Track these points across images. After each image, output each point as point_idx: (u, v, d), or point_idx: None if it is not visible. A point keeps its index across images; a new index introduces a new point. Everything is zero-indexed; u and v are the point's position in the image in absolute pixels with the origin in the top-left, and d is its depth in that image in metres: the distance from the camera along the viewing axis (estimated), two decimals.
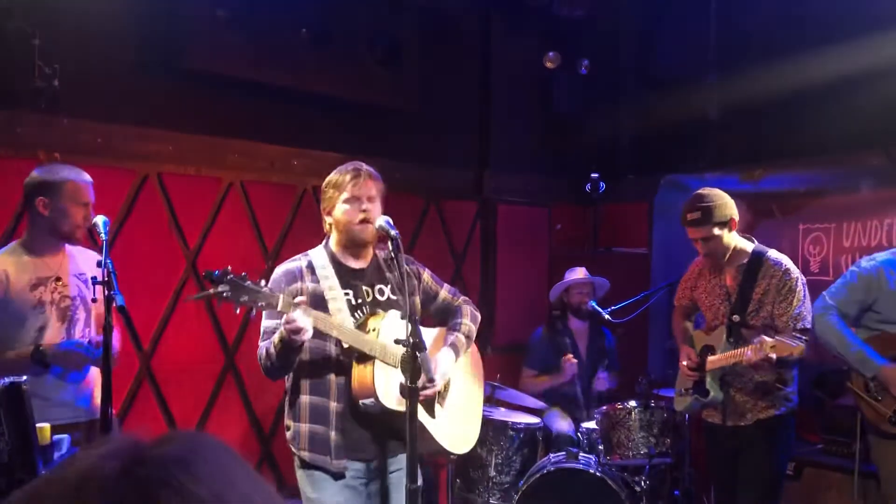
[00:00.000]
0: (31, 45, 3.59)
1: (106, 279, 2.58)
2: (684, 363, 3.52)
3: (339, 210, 2.77)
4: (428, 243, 5.11)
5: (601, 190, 5.65)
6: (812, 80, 4.57)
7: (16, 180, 3.70)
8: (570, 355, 4.65)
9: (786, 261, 3.43)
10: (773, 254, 3.46)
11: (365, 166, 2.83)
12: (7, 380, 2.20)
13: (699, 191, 3.49)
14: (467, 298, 3.14)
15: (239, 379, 4.38)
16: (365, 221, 2.74)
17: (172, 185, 4.16)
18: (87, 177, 3.03)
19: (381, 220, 2.69)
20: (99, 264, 2.66)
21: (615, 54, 6.01)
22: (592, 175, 5.64)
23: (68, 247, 3.08)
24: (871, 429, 3.50)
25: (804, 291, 3.39)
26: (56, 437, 2.63)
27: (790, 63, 4.68)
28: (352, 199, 2.74)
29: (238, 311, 2.47)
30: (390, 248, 2.65)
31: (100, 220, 2.77)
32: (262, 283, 2.50)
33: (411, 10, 4.84)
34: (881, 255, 3.53)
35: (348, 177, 2.75)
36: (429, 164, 5.11)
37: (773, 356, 3.09)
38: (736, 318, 3.38)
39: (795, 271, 3.41)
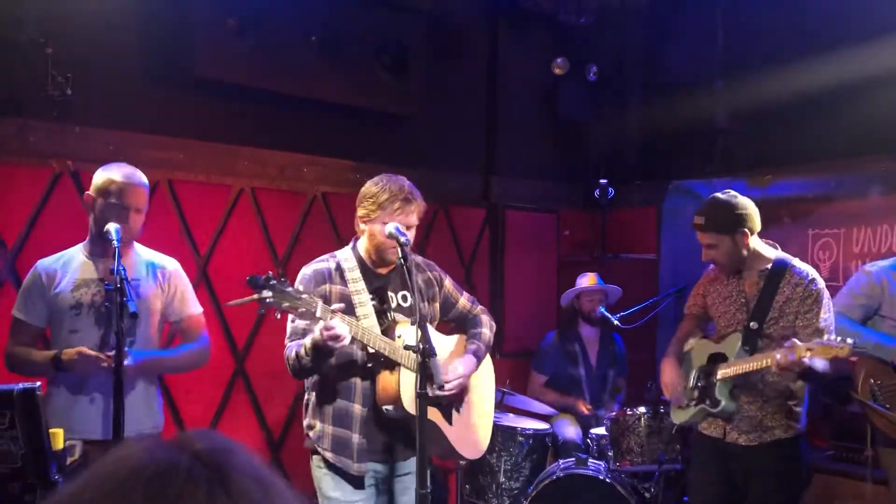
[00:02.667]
0: (44, 54, 3.63)
1: (118, 286, 2.59)
2: (667, 380, 3.32)
3: (377, 228, 2.77)
4: (436, 249, 5.12)
5: (609, 196, 5.65)
6: (820, 85, 4.57)
7: (29, 188, 3.75)
8: (587, 407, 4.67)
9: (811, 270, 3.23)
10: (797, 263, 3.26)
11: (415, 191, 2.80)
12: (21, 385, 2.22)
13: (716, 194, 3.26)
14: (484, 308, 3.18)
15: (249, 384, 4.40)
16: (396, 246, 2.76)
17: (183, 191, 4.19)
18: (138, 178, 2.91)
19: (391, 227, 2.70)
20: (110, 271, 2.67)
21: (622, 60, 6.02)
22: (600, 181, 5.64)
23: (135, 250, 3.02)
24: (881, 438, 3.47)
25: (829, 304, 3.18)
26: (69, 442, 2.65)
27: (797, 68, 4.68)
28: (397, 223, 2.75)
29: (279, 317, 2.50)
30: (399, 254, 2.66)
31: (112, 227, 2.77)
32: (300, 288, 2.55)
33: (419, 17, 4.87)
34: (883, 262, 3.54)
35: (397, 204, 2.73)
36: (436, 170, 5.12)
37: (806, 361, 2.83)
38: (754, 324, 3.17)
39: (820, 282, 3.20)
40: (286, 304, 2.44)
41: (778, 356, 2.90)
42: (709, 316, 3.48)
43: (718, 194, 3.28)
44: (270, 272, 2.45)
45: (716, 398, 3.20)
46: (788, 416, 3.18)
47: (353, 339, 2.63)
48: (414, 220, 2.78)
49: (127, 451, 0.70)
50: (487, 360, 3.17)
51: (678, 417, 3.43)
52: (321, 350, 2.56)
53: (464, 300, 3.09)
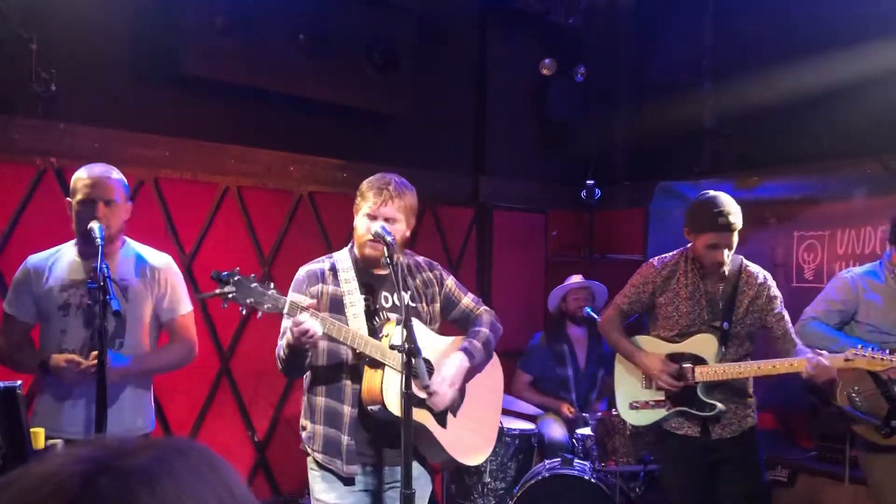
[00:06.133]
0: (28, 50, 3.60)
1: (101, 284, 2.56)
2: (664, 377, 3.28)
3: (357, 221, 2.76)
4: (424, 249, 5.06)
5: (597, 196, 5.67)
6: (807, 88, 4.60)
7: (12, 186, 3.72)
8: (570, 410, 4.67)
9: (762, 270, 3.41)
10: (748, 263, 3.41)
11: (395, 183, 2.74)
12: (1, 384, 2.20)
13: (716, 194, 3.29)
14: (490, 309, 3.06)
15: (234, 384, 4.38)
16: (374, 242, 2.70)
17: (169, 190, 4.17)
18: (103, 171, 2.88)
19: (376, 226, 2.67)
20: (94, 269, 2.65)
21: (611, 61, 6.04)
22: (588, 181, 5.66)
23: (126, 247, 3.00)
24: (860, 441, 3.51)
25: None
26: (50, 442, 2.63)
27: (785, 71, 4.71)
28: (370, 215, 2.71)
29: (244, 312, 2.49)
30: (384, 253, 2.63)
31: (95, 225, 2.75)
32: (271, 285, 2.51)
33: (408, 16, 4.86)
34: (858, 268, 3.63)
35: (372, 193, 2.71)
36: (425, 169, 5.10)
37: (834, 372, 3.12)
38: (726, 325, 3.29)
39: (771, 279, 3.41)
40: (250, 300, 2.43)
41: (809, 367, 3.09)
42: (638, 313, 3.51)
43: (720, 195, 3.29)
44: (237, 268, 2.45)
45: (705, 401, 3.30)
46: (751, 407, 3.40)
47: (336, 340, 2.61)
48: (389, 210, 2.70)
49: (52, 459, 0.64)
50: (495, 363, 3.06)
51: (640, 419, 3.44)
52: (294, 347, 2.53)
53: (467, 300, 2.98)
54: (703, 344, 3.31)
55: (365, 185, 2.77)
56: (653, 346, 3.41)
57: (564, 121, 5.80)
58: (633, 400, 3.43)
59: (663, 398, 3.35)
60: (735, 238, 3.25)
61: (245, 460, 4.41)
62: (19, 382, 2.25)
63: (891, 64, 4.37)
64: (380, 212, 2.70)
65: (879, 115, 4.46)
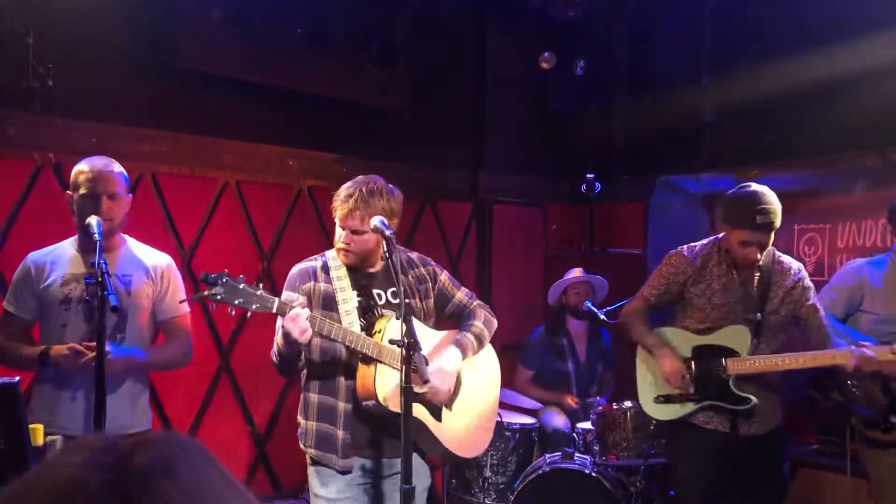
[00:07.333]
0: (25, 44, 3.58)
1: (99, 279, 2.55)
2: (670, 370, 3.20)
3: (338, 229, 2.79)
4: (423, 244, 5.09)
5: (597, 190, 5.65)
6: (807, 81, 4.58)
7: (10, 181, 3.71)
8: (574, 401, 4.66)
9: (794, 261, 3.34)
10: (781, 255, 3.34)
11: (361, 192, 2.69)
12: (1, 380, 2.19)
13: (760, 189, 3.15)
14: (483, 303, 3.08)
15: (234, 380, 4.37)
16: (345, 251, 2.75)
17: (167, 185, 4.15)
18: (105, 164, 2.87)
19: (376, 220, 2.66)
20: (92, 264, 2.64)
21: (610, 55, 6.02)
22: (588, 175, 5.65)
23: (128, 245, 3.00)
24: (861, 436, 3.49)
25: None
26: (49, 438, 2.62)
27: (785, 64, 4.70)
28: (340, 225, 2.75)
29: (233, 313, 2.49)
30: (384, 248, 2.62)
31: (93, 220, 2.74)
32: (260, 286, 2.52)
33: (406, 10, 4.84)
34: (862, 259, 3.61)
35: (339, 203, 2.72)
36: (424, 164, 5.11)
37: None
38: (759, 316, 3.21)
39: (804, 270, 3.35)
40: (239, 301, 2.45)
41: (854, 360, 3.00)
42: (670, 304, 3.39)
43: (763, 189, 3.16)
44: (226, 269, 2.46)
45: (739, 395, 3.21)
46: (778, 403, 3.35)
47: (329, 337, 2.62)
48: (355, 223, 2.70)
49: (63, 458, 0.65)
50: (489, 354, 3.07)
51: (666, 413, 3.34)
52: (286, 346, 2.56)
53: (461, 294, 3.01)
54: (735, 336, 3.22)
55: (337, 194, 2.76)
56: (680, 339, 3.31)
57: (564, 115, 5.78)
58: (659, 393, 3.31)
59: (693, 391, 3.24)
60: (771, 238, 3.15)
61: (245, 455, 4.41)
62: (18, 379, 2.24)
63: (891, 57, 4.36)
64: (345, 224, 2.73)
65: (879, 108, 4.44)
